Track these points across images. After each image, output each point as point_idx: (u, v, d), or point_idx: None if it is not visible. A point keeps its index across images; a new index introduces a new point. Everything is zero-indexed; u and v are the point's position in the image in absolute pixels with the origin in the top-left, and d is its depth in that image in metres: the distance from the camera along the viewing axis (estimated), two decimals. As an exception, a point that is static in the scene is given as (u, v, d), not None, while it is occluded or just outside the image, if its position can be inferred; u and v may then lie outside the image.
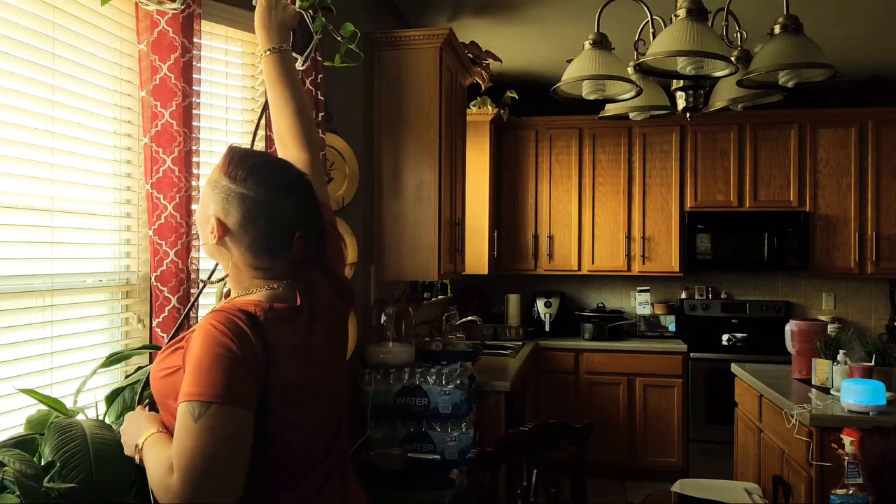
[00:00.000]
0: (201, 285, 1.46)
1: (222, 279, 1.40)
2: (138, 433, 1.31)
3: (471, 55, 4.10)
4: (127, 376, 1.94)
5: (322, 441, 1.37)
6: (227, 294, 1.43)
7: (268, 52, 1.62)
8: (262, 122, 2.36)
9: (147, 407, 1.45)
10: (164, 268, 2.02)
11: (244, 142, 2.43)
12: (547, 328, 5.29)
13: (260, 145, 2.54)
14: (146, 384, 1.51)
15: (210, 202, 1.33)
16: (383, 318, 3.31)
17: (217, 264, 1.55)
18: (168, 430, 1.30)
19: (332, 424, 1.41)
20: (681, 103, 2.44)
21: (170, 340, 1.60)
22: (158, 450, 1.24)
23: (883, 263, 4.92)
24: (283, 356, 1.26)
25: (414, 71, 3.41)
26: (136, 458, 1.28)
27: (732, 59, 2.11)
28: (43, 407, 1.61)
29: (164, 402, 1.32)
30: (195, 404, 1.15)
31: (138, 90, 2.06)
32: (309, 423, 1.33)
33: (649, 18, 2.32)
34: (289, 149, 1.62)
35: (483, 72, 4.21)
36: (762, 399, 3.43)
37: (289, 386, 1.27)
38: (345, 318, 1.50)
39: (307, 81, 2.57)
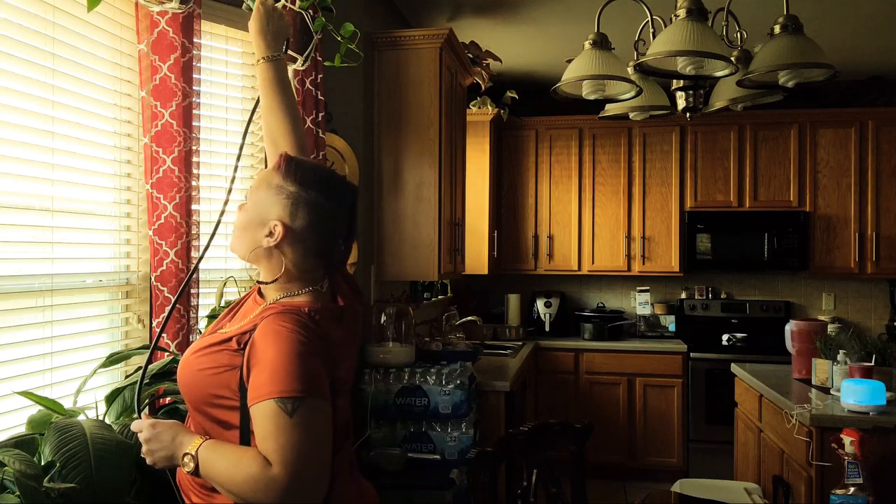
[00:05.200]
0: (255, 287, 1.46)
1: (273, 281, 1.39)
2: (179, 443, 1.30)
3: (471, 55, 4.10)
4: (127, 376, 1.94)
5: (338, 436, 1.40)
6: (260, 293, 1.44)
7: (263, 60, 1.65)
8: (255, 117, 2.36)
9: (149, 411, 1.46)
10: (164, 268, 2.02)
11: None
12: (547, 328, 5.29)
13: (256, 142, 2.54)
14: (147, 385, 1.51)
15: (272, 206, 1.35)
16: (383, 318, 3.31)
17: (200, 259, 1.56)
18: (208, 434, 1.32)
19: (348, 420, 1.46)
20: (681, 103, 2.44)
21: (157, 339, 1.57)
22: (235, 450, 1.26)
23: (883, 263, 4.92)
24: (337, 353, 1.33)
25: (414, 71, 3.41)
26: (189, 466, 1.27)
27: (732, 59, 2.11)
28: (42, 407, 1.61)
29: (206, 399, 1.33)
30: (287, 400, 1.20)
31: (138, 90, 2.06)
32: (337, 418, 1.36)
33: (649, 18, 2.32)
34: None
35: (483, 72, 4.21)
36: (762, 399, 3.43)
37: (340, 381, 1.34)
38: (360, 317, 1.56)
39: (307, 81, 2.57)
